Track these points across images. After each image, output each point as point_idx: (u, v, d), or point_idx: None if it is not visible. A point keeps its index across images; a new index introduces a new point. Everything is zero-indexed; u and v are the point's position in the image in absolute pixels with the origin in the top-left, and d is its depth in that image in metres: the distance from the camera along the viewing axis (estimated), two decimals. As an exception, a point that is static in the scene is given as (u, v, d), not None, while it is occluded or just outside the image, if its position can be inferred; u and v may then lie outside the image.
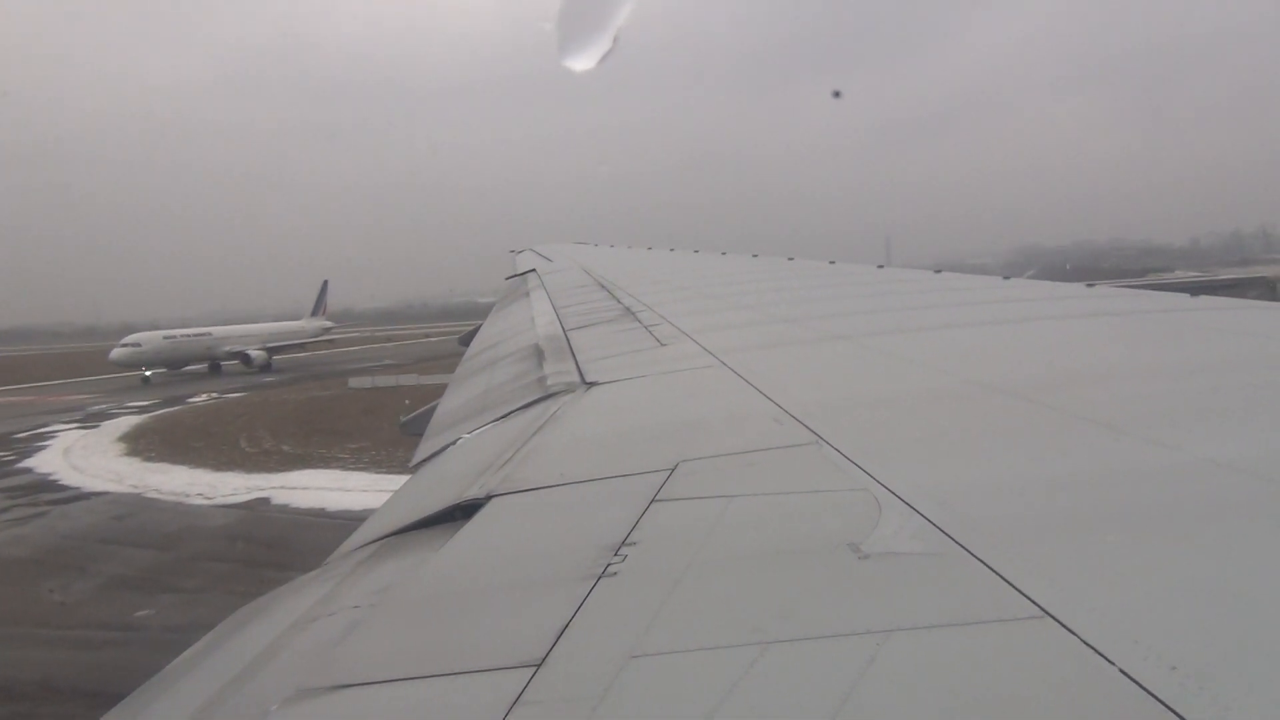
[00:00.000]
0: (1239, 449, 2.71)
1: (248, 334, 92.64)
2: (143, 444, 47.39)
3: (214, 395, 70.19)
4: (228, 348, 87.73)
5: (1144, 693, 1.50)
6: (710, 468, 3.21)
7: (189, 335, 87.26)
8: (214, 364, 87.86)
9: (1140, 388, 3.85)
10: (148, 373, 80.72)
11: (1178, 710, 1.44)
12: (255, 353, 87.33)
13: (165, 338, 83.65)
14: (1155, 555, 2.07)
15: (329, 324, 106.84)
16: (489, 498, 3.33)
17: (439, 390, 8.59)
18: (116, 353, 78.96)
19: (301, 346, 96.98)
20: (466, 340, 12.55)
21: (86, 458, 44.26)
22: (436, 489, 4.11)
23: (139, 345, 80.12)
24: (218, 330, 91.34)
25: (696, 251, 19.55)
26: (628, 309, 9.16)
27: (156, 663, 2.86)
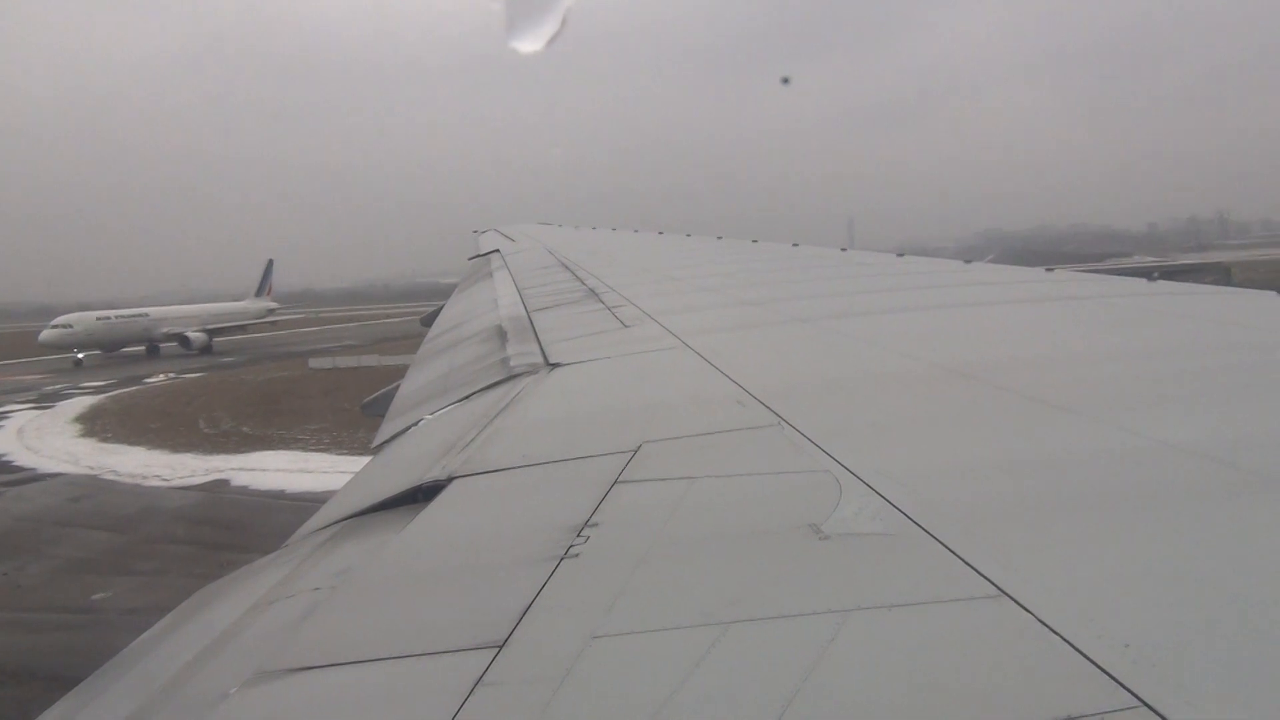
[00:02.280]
0: (1194, 433, 2.76)
1: (187, 315, 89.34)
2: (99, 425, 46.73)
3: (171, 375, 69.26)
4: (165, 329, 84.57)
5: (1098, 670, 1.53)
6: (673, 449, 3.21)
7: (124, 316, 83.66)
8: (151, 346, 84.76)
9: (1098, 372, 3.90)
10: (80, 355, 77.63)
11: (1130, 687, 1.47)
12: (194, 334, 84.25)
13: (98, 318, 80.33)
14: (1110, 537, 2.10)
15: (274, 305, 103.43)
16: (451, 479, 3.31)
17: (401, 371, 8.53)
18: (46, 334, 75.32)
19: (244, 328, 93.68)
20: (429, 321, 12.45)
21: (41, 438, 43.59)
22: (398, 471, 4.09)
23: (70, 326, 76.47)
24: (155, 311, 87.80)
25: (661, 233, 19.53)
26: (591, 290, 9.13)
27: (114, 645, 2.83)
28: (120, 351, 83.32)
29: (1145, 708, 1.42)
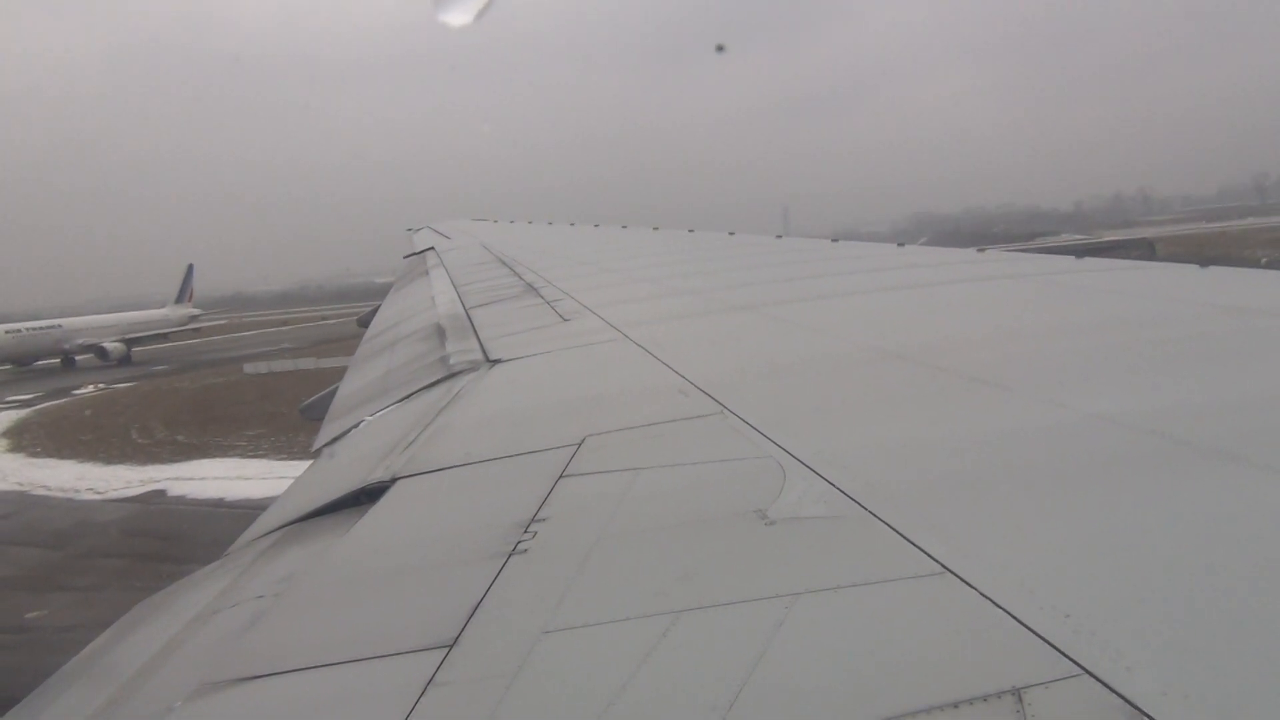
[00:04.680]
0: (1125, 405, 2.82)
1: (103, 325, 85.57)
2: (26, 439, 45.44)
3: (101, 386, 67.51)
4: (81, 340, 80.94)
5: (1041, 641, 1.56)
6: (617, 441, 3.22)
7: (35, 329, 79.75)
8: (66, 358, 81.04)
9: (1030, 348, 3.98)
10: None
11: (1073, 656, 1.50)
12: (111, 345, 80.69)
13: (7, 332, 76.63)
14: (1048, 510, 2.15)
15: (196, 311, 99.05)
16: (394, 480, 3.28)
17: (339, 373, 8.43)
18: None
19: (164, 337, 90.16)
20: (365, 321, 12.32)
21: (-35, 456, 42.31)
22: (340, 473, 4.04)
23: None
24: (68, 322, 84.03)
25: (597, 226, 19.51)
26: (530, 285, 9.10)
27: (51, 665, 2.76)
28: (33, 366, 79.97)
29: (1088, 676, 1.45)
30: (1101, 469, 2.38)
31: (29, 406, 58.39)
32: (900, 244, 9.75)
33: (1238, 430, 2.55)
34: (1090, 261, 6.57)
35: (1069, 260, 6.76)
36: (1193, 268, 5.74)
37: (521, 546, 2.36)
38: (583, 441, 3.21)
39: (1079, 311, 4.84)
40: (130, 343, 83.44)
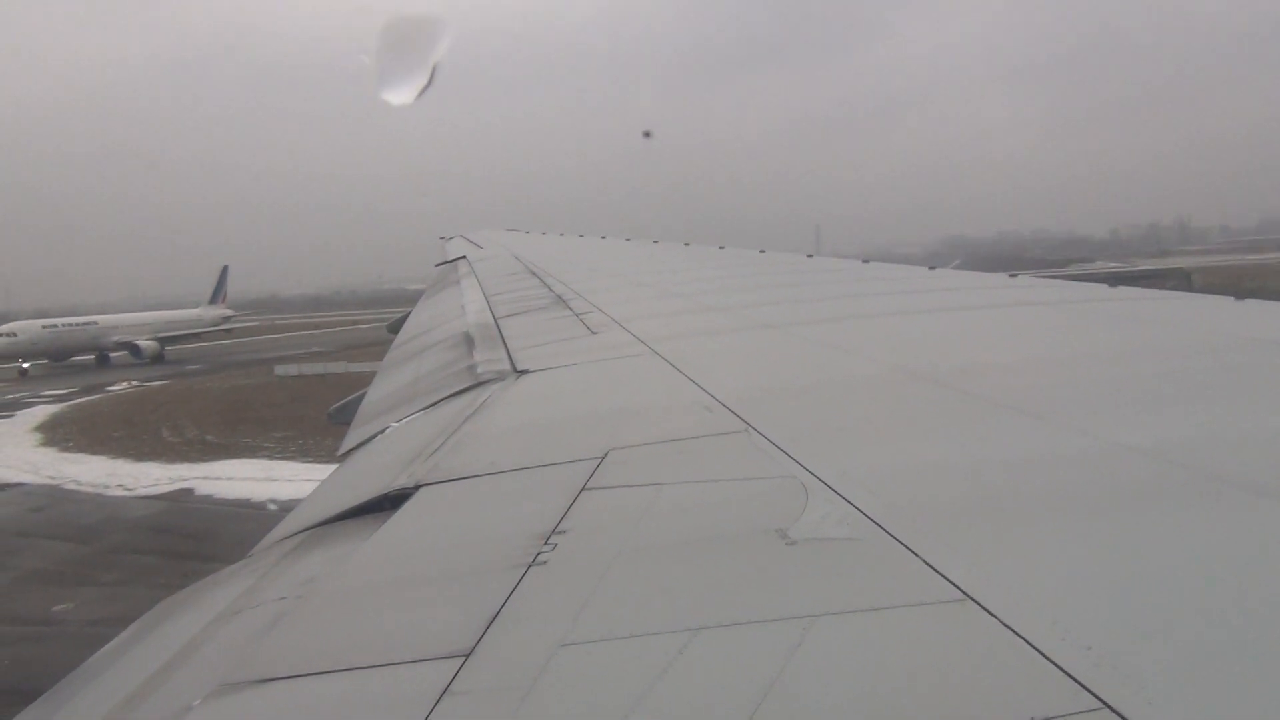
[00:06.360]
0: (1154, 436, 2.79)
1: (138, 323, 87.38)
2: (60, 434, 46.11)
3: (134, 383, 68.38)
4: (115, 338, 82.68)
5: (1061, 672, 1.54)
6: (640, 456, 3.22)
7: (72, 325, 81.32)
8: (101, 355, 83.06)
9: (1059, 375, 3.95)
10: (25, 365, 75.42)
11: (1093, 689, 1.48)
12: (145, 343, 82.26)
13: (45, 327, 77.99)
14: (1071, 539, 2.13)
15: (229, 312, 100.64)
16: (418, 487, 3.30)
17: (367, 378, 8.48)
18: None
19: (197, 336, 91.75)
20: (396, 327, 12.40)
21: (0, 448, 42.89)
22: (365, 478, 4.06)
23: (14, 335, 74.85)
24: (104, 319, 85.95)
25: (628, 239, 19.57)
26: (559, 297, 9.13)
27: (75, 658, 2.79)
28: (69, 361, 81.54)
29: (1107, 709, 1.43)
30: (1128, 500, 2.36)
31: (63, 401, 59.23)
32: (932, 267, 9.72)
33: (1268, 464, 2.52)
34: (1124, 290, 6.51)
35: (1103, 288, 6.70)
36: (1228, 299, 5.67)
37: (541, 558, 2.37)
38: (606, 455, 3.22)
39: (1110, 340, 4.79)
40: (164, 341, 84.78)
